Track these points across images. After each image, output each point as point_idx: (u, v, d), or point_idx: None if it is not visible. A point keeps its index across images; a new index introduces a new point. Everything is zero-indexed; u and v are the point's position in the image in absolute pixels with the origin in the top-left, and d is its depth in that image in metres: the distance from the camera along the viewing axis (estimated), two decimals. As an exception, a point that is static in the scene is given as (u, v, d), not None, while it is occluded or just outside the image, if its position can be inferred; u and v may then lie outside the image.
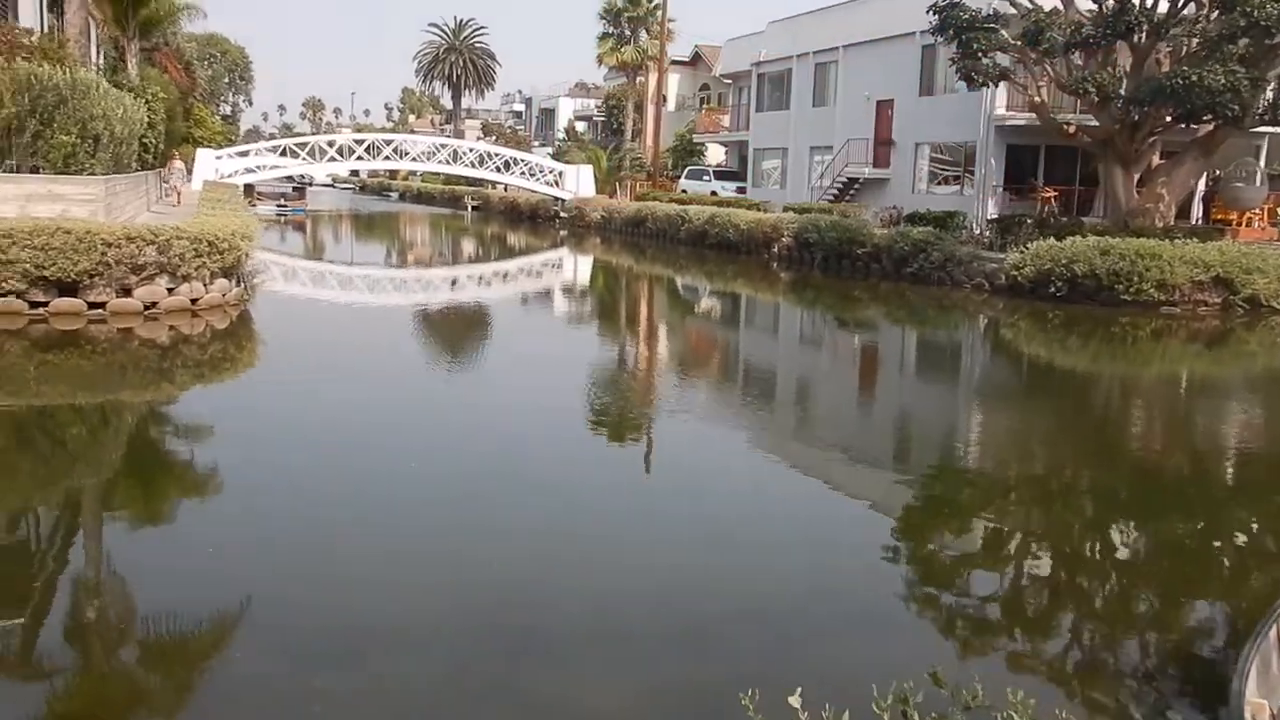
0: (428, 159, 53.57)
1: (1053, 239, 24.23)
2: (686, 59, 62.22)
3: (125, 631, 6.42)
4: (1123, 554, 8.84)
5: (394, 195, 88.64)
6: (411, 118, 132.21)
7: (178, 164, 33.47)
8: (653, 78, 53.54)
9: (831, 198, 37.48)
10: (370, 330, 21.26)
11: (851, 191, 37.52)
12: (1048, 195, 31.34)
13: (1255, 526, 9.75)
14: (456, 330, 21.69)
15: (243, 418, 12.24)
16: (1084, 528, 9.44)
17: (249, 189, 46.92)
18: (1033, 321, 23.07)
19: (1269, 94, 24.55)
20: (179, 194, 31.73)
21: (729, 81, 52.63)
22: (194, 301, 17.38)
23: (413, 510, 8.85)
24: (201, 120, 52.87)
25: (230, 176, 46.19)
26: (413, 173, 72.49)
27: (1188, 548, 9.01)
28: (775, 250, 33.86)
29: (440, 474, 10.16)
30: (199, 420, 12.28)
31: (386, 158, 53.62)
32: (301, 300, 25.56)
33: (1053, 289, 23.44)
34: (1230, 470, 12.08)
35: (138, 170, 26.76)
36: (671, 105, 61.86)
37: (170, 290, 16.99)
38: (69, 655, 6.06)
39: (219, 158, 48.14)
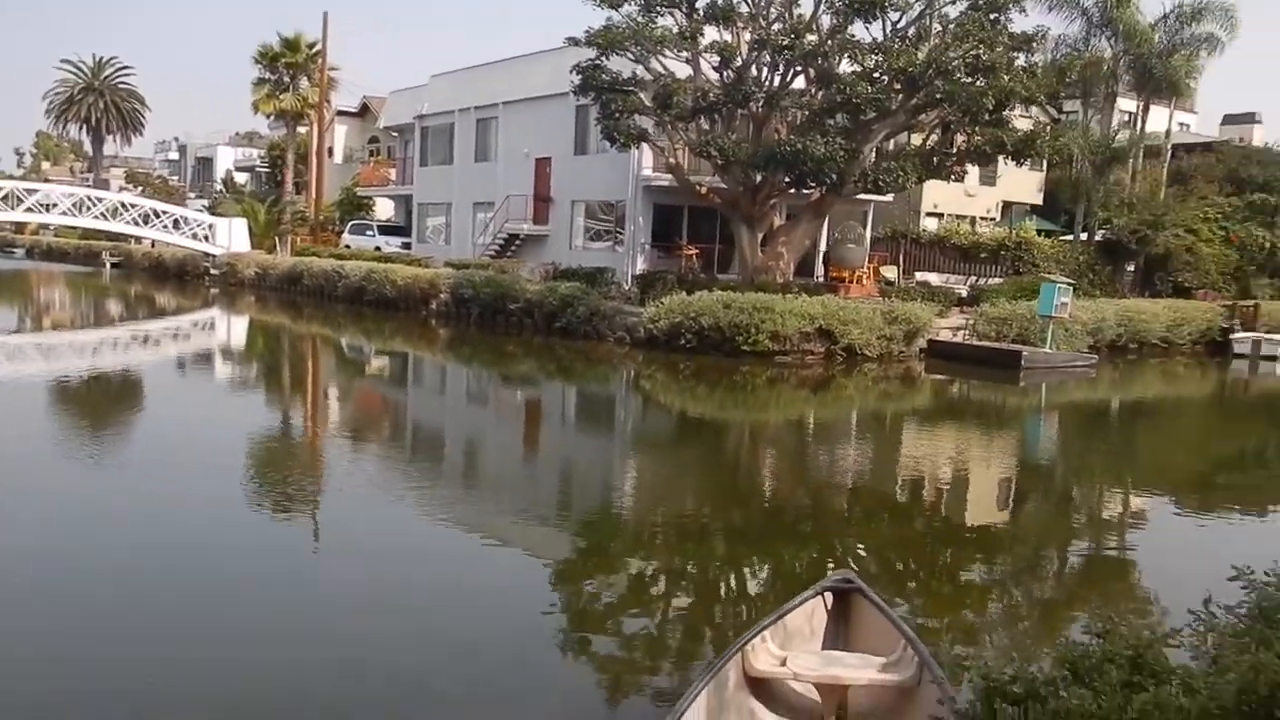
0: (79, 211, 48.25)
1: (684, 294, 25.52)
2: (354, 109, 60.86)
3: None
4: (752, 587, 9.46)
5: (19, 252, 78.04)
6: (46, 164, 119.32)
7: None
8: (316, 128, 51.80)
9: (494, 253, 37.65)
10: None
11: (513, 248, 37.87)
12: (690, 252, 33.10)
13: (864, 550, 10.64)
14: (93, 404, 19.00)
15: None
16: (720, 563, 10.17)
17: None
18: (667, 373, 24.10)
19: (868, 164, 27.24)
20: None
21: (396, 134, 51.96)
22: None
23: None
24: None
25: None
26: (45, 226, 65.17)
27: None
28: (433, 306, 33.48)
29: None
30: None
31: (29, 209, 48.01)
32: None
33: (684, 341, 24.64)
34: (837, 501, 13.35)
35: None
36: (339, 157, 60.20)
37: None
38: None
39: None
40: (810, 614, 6.42)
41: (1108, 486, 15.78)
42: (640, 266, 32.94)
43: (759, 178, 27.16)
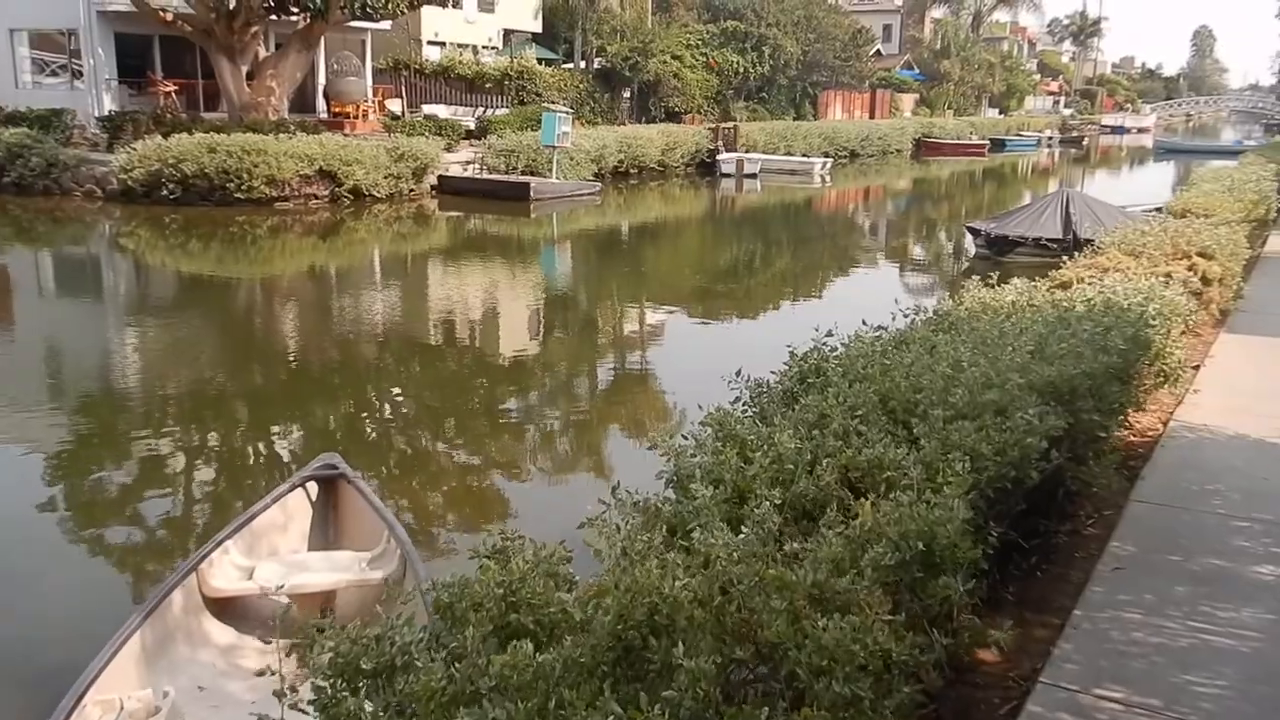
0: None
1: (160, 138, 22.47)
2: None
3: None
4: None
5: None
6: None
7: None
8: None
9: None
10: None
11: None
12: (167, 89, 29.15)
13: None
14: None
15: None
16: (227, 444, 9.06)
17: None
18: (152, 228, 21.34)
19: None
20: None
21: None
22: None
23: None
24: None
25: None
26: None
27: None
28: None
29: None
30: None
31: None
32: None
33: (165, 191, 21.85)
34: (361, 352, 12.73)
35: None
36: None
37: None
38: None
39: None
40: (289, 510, 5.75)
41: (625, 305, 17.00)
42: (108, 107, 28.50)
43: (232, 3, 24.15)
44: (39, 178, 23.52)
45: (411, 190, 25.35)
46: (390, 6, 24.42)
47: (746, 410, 4.23)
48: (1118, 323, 5.18)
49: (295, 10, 24.06)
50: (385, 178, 24.14)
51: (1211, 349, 7.96)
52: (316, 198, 23.14)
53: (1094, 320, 5.21)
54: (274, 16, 25.02)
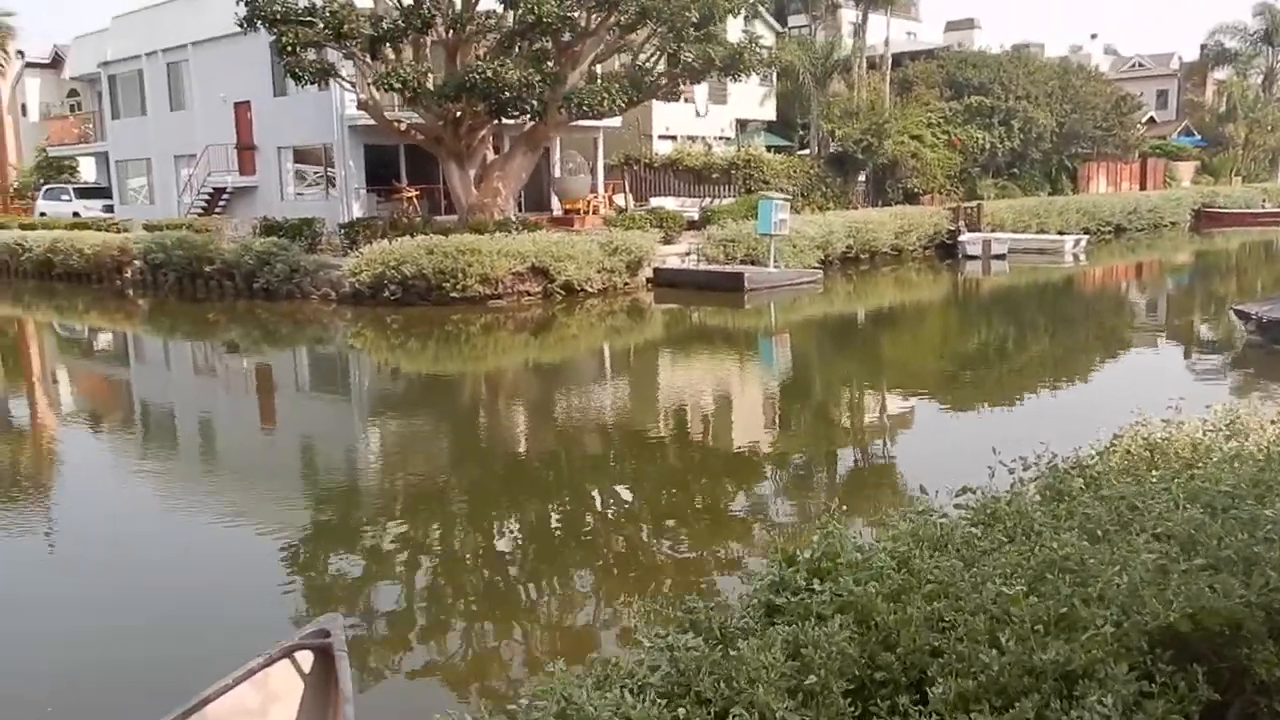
0: None
1: (385, 241, 23.49)
2: (46, 60, 54.23)
3: None
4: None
5: None
6: None
7: None
8: (-5, 82, 45.80)
9: (200, 210, 34.06)
10: None
11: (221, 202, 34.37)
12: (410, 195, 30.83)
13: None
14: None
15: None
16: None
17: None
18: (375, 329, 22.18)
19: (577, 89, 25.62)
20: None
21: (89, 85, 46.50)
22: None
23: None
24: None
25: None
26: None
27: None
28: (128, 275, 30.04)
29: None
30: None
31: None
32: None
33: (388, 293, 22.68)
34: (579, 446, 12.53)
35: None
36: (34, 115, 53.69)
37: None
38: None
39: None
40: (270, 688, 4.62)
41: (836, 398, 16.00)
42: (356, 213, 30.44)
43: (458, 111, 25.12)
44: (283, 283, 25.15)
45: (626, 284, 25.13)
46: (604, 104, 24.55)
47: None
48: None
49: (515, 115, 24.67)
50: (598, 272, 24.05)
51: None
52: (529, 294, 23.32)
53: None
54: (496, 121, 25.81)
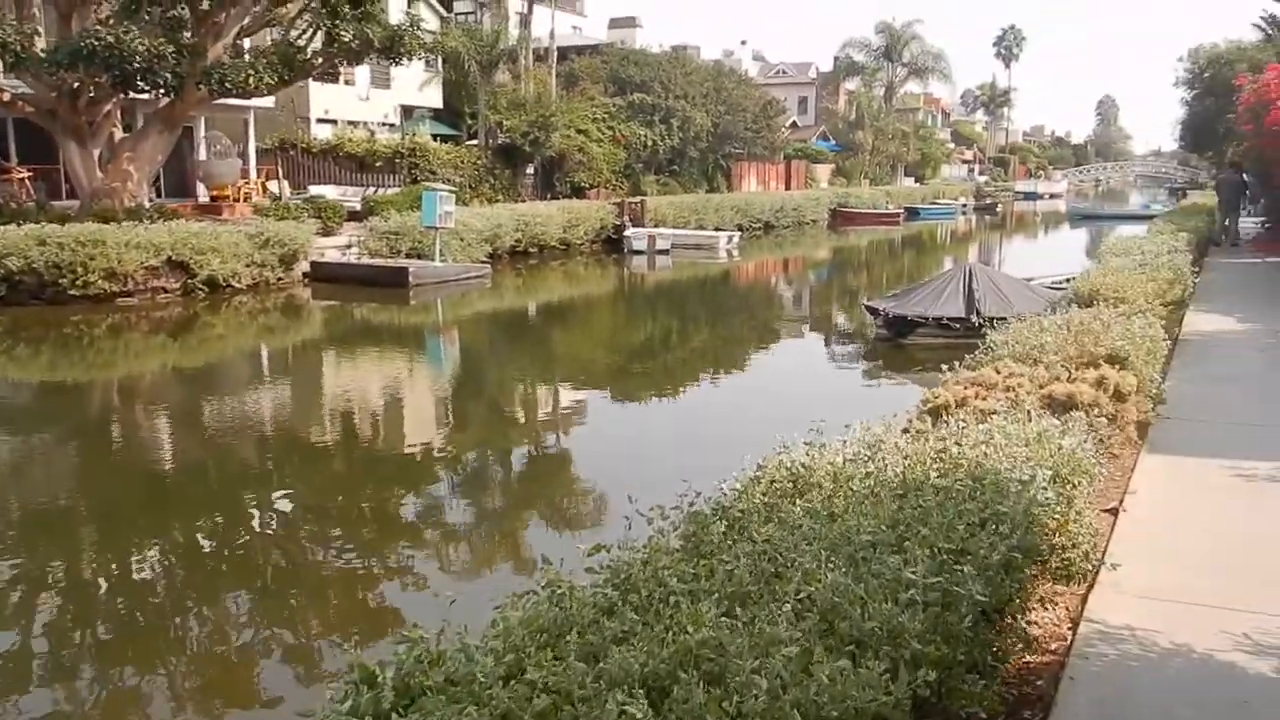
0: None
1: (-5, 229, 20.25)
2: None
3: None
4: None
5: None
6: None
7: None
8: None
9: None
10: None
11: None
12: (20, 176, 26.95)
13: None
14: None
15: None
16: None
17: None
18: (-30, 333, 18.98)
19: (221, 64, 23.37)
20: None
21: None
22: None
23: None
24: None
25: None
26: None
27: None
28: None
29: None
30: None
31: None
32: None
33: (-10, 290, 19.57)
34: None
35: None
36: None
37: None
38: None
39: None
40: None
41: (489, 396, 14.94)
42: (-48, 195, 26.16)
43: (75, 81, 22.15)
44: None
45: (280, 279, 23.33)
46: (254, 82, 22.58)
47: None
48: (989, 514, 3.43)
49: (145, 88, 22.09)
50: (247, 266, 22.10)
51: (1131, 480, 6.32)
52: (166, 291, 20.99)
53: (952, 508, 3.45)
54: (123, 95, 23.02)
